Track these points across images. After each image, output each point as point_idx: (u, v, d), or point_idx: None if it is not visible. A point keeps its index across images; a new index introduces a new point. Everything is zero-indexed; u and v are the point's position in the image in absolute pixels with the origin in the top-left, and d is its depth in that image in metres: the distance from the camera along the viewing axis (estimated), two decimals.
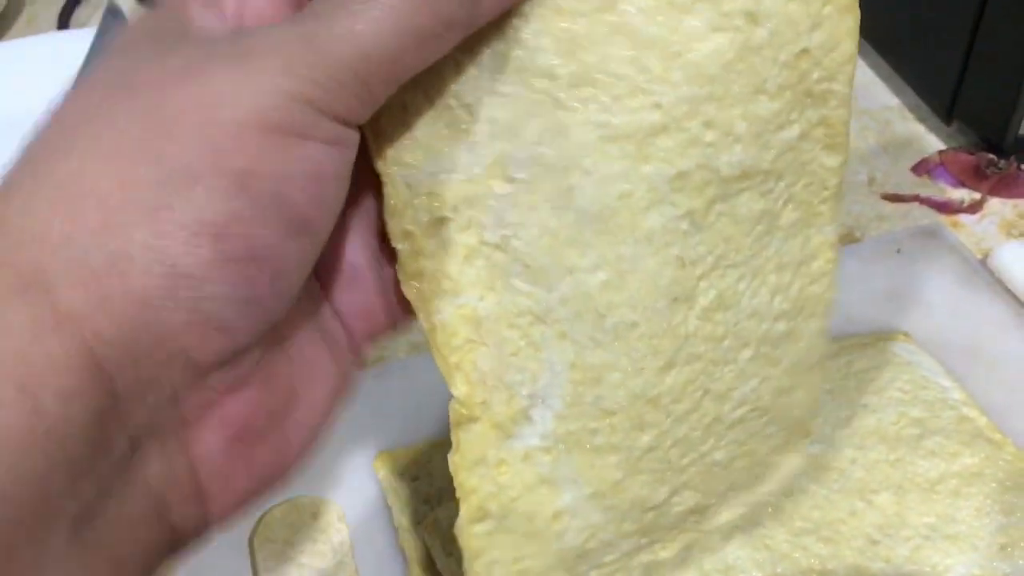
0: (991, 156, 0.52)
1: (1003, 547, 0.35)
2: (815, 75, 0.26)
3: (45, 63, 0.59)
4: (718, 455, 0.29)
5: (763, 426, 0.30)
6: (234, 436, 0.23)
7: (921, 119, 0.58)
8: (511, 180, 0.25)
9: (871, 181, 0.54)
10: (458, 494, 0.27)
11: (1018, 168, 0.52)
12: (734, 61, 0.25)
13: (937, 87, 0.55)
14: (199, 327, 0.20)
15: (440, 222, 0.25)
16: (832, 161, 0.28)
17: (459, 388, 0.26)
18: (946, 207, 0.52)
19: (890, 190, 0.53)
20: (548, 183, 0.24)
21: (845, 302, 0.47)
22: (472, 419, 0.26)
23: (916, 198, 0.52)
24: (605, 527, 0.28)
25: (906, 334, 0.43)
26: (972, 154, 0.53)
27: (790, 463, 0.32)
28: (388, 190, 0.25)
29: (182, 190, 0.20)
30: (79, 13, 0.70)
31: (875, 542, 0.34)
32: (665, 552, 0.30)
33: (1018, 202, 0.52)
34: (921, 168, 0.54)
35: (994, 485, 0.37)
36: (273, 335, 0.23)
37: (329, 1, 0.21)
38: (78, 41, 0.58)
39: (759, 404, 0.29)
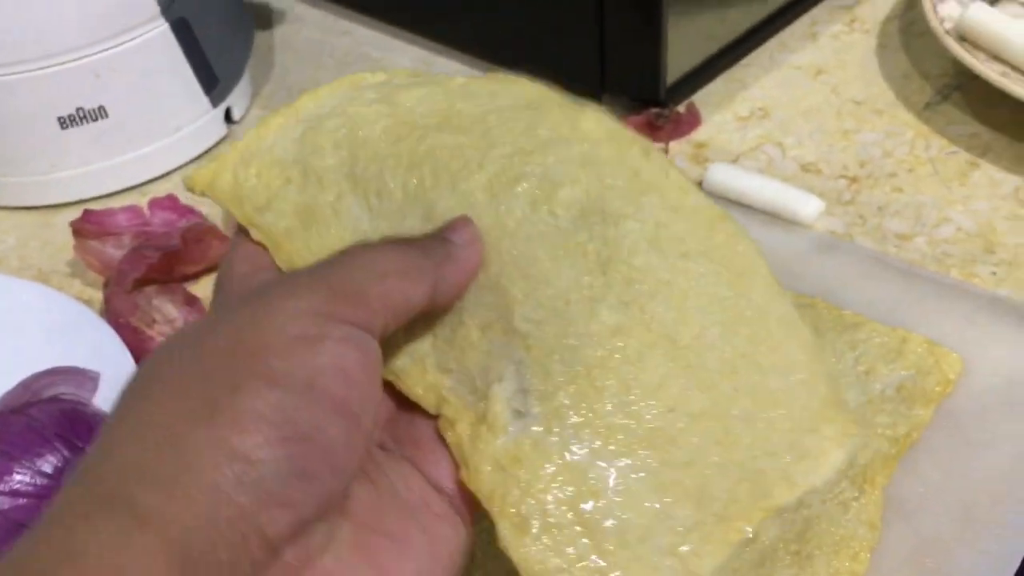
0: (656, 110, 0.60)
1: None
2: None
3: None
4: (738, 412, 0.29)
5: (761, 373, 0.30)
6: None
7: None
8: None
9: None
10: (492, 512, 0.27)
11: (677, 111, 0.60)
12: None
13: (583, 75, 0.62)
14: (265, 504, 0.24)
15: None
16: None
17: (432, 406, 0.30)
18: None
19: None
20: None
21: None
22: (456, 420, 0.29)
23: None
24: (652, 492, 0.27)
25: None
26: (639, 114, 0.60)
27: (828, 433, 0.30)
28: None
29: (230, 393, 0.25)
30: None
31: None
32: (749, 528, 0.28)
33: (691, 137, 0.60)
34: None
35: None
36: (346, 510, 0.27)
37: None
38: None
39: (733, 348, 0.30)
